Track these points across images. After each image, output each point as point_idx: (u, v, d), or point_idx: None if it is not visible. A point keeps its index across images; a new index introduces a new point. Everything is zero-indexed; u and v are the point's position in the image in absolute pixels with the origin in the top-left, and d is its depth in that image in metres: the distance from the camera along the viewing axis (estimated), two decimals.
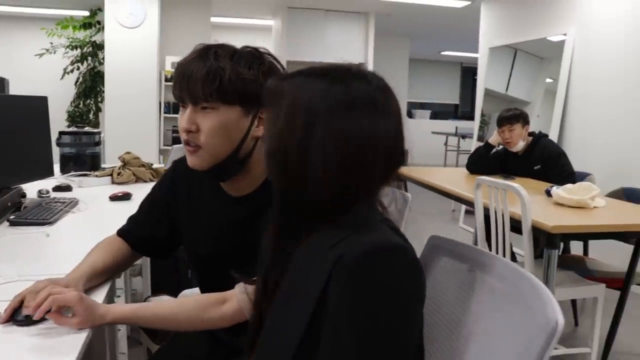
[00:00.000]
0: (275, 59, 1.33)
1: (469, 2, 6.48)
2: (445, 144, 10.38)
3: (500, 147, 3.88)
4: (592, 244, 3.50)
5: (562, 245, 3.50)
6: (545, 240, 2.28)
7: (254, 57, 1.27)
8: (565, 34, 4.94)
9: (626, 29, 4.31)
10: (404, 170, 3.36)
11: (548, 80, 5.11)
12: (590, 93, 4.67)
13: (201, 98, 1.21)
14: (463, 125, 10.20)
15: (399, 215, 1.50)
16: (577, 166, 4.12)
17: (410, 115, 12.84)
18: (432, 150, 11.45)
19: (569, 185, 2.81)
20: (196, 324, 1.21)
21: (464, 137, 8.99)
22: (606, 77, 4.49)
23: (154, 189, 1.50)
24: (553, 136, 4.89)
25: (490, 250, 2.69)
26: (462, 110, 13.74)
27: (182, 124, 1.24)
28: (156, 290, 2.82)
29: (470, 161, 3.96)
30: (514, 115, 3.71)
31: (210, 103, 1.21)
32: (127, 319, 1.17)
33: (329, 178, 0.86)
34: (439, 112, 14.13)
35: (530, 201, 2.30)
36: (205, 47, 1.27)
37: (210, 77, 1.20)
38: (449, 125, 11.55)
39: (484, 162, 3.87)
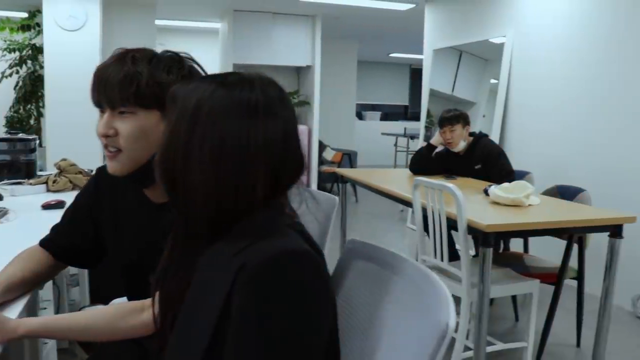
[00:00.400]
0: (197, 63, 1.32)
1: (414, 5, 6.58)
2: (395, 144, 10.52)
3: (442, 147, 3.95)
4: (533, 241, 3.59)
5: (502, 243, 3.60)
6: (480, 239, 2.32)
7: (174, 62, 1.26)
8: (504, 36, 5.06)
9: (558, 32, 4.45)
10: (350, 172, 3.39)
11: (492, 81, 5.23)
12: (529, 94, 4.80)
13: (118, 103, 1.20)
14: (412, 126, 10.34)
15: (325, 218, 1.51)
16: (517, 165, 4.23)
17: (360, 116, 12.94)
18: (382, 151, 11.62)
19: (505, 184, 2.88)
20: (115, 334, 1.19)
21: (412, 137, 9.12)
22: (543, 77, 4.62)
23: (77, 196, 1.47)
24: (495, 136, 5.00)
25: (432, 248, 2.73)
26: (412, 111, 13.93)
27: (100, 129, 1.22)
28: (98, 299, 2.76)
29: (412, 162, 4.01)
30: (454, 116, 3.78)
31: (127, 108, 1.20)
32: (38, 332, 1.14)
33: (209, 184, 0.86)
34: (390, 113, 14.29)
35: (465, 201, 2.35)
36: (123, 52, 1.26)
37: (127, 81, 1.19)
38: (398, 126, 11.70)
39: (426, 162, 3.93)
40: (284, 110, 0.92)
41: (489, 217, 2.47)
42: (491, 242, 2.30)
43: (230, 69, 7.23)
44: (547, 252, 3.51)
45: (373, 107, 14.15)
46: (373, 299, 0.95)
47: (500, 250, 3.55)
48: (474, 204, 2.83)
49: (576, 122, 4.27)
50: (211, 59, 8.61)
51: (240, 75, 0.94)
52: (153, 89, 1.20)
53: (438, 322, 0.72)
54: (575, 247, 3.00)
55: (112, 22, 6.45)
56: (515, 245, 3.62)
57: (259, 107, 0.88)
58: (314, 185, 7.60)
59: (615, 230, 2.61)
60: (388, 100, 14.25)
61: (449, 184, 2.41)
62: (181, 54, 1.30)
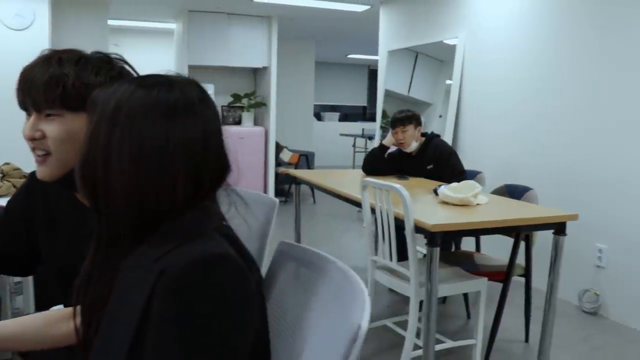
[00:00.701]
0: (129, 65, 1.30)
1: (369, 7, 6.62)
2: (354, 145, 10.59)
3: (395, 148, 3.99)
4: (484, 240, 3.65)
5: (454, 242, 3.66)
6: (427, 239, 2.35)
7: (102, 63, 1.23)
8: (457, 38, 5.14)
9: (509, 34, 4.54)
10: (303, 174, 3.37)
11: (448, 81, 5.30)
12: (481, 95, 4.89)
13: (43, 105, 1.17)
14: (371, 126, 10.41)
15: (265, 221, 1.51)
16: (470, 165, 4.30)
17: (318, 117, 12.97)
18: (341, 151, 11.67)
19: (454, 184, 2.92)
20: (44, 342, 1.16)
21: (370, 138, 9.18)
22: (494, 79, 4.71)
23: (9, 202, 1.43)
24: (448, 136, 5.08)
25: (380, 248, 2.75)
26: (370, 112, 14.02)
27: (25, 131, 1.19)
28: (42, 307, 2.70)
29: (365, 163, 4.03)
30: (406, 117, 3.82)
31: (54, 110, 1.17)
32: None
33: (130, 186, 0.86)
34: (349, 114, 14.36)
35: (411, 201, 2.37)
36: (50, 53, 1.23)
37: (52, 83, 1.16)
38: (357, 127, 11.78)
39: (379, 163, 3.96)
40: (205, 110, 0.92)
41: (436, 217, 2.50)
42: (437, 242, 2.33)
43: (185, 71, 7.15)
44: (498, 250, 3.58)
45: (332, 108, 14.21)
46: (301, 300, 0.95)
47: (453, 250, 3.60)
48: (423, 204, 2.86)
49: (527, 123, 4.37)
50: (167, 60, 8.51)
51: (160, 76, 0.93)
52: (80, 90, 1.17)
53: (351, 323, 0.72)
54: (523, 244, 3.07)
55: (62, 22, 6.30)
56: (469, 244, 3.68)
57: (177, 107, 0.88)
58: (271, 187, 7.58)
59: (559, 228, 2.68)
60: (347, 101, 14.33)
61: (396, 185, 2.43)
62: (111, 55, 1.27)
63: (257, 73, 7.84)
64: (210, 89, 7.11)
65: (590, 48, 3.82)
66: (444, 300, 3.91)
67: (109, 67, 1.23)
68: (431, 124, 5.41)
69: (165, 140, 0.86)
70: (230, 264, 0.81)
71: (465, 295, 3.68)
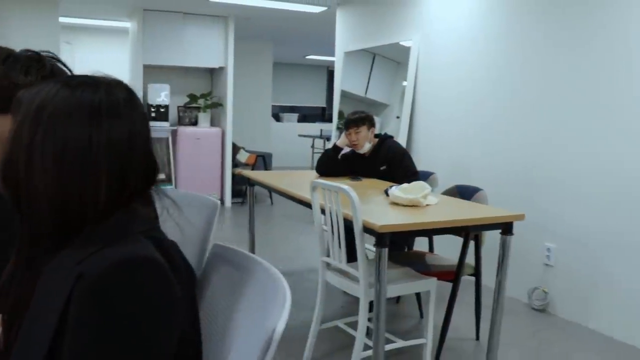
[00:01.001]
0: (62, 62, 1.27)
1: (326, 8, 6.64)
2: (312, 146, 10.61)
3: (348, 149, 4.01)
4: (438, 240, 3.70)
5: (407, 243, 3.69)
6: (375, 239, 2.37)
7: (32, 61, 1.20)
8: (411, 40, 5.20)
9: (462, 35, 4.61)
10: (257, 175, 3.33)
11: (404, 83, 5.35)
12: (435, 96, 4.95)
13: None
14: (329, 127, 10.44)
15: (206, 224, 1.49)
16: (423, 166, 4.36)
17: (277, 118, 12.95)
18: (299, 152, 11.67)
19: (404, 185, 2.95)
20: None
21: (329, 139, 9.21)
22: (447, 81, 4.78)
23: None
24: (402, 137, 5.13)
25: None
26: (329, 113, 14.06)
27: None
28: None
29: (319, 164, 4.04)
30: (359, 118, 3.84)
31: None
32: None
33: (53, 187, 0.85)
34: (308, 115, 14.38)
35: (359, 202, 2.38)
36: None
37: None
38: (316, 127, 11.81)
39: (333, 164, 3.97)
40: (131, 112, 0.91)
41: (384, 218, 2.52)
42: (385, 242, 2.34)
43: (140, 71, 7.05)
44: (451, 251, 3.62)
45: (291, 109, 14.21)
46: (231, 303, 0.94)
47: (406, 250, 3.64)
48: (373, 205, 2.89)
49: (479, 125, 4.44)
50: (122, 60, 8.37)
51: (87, 76, 0.92)
52: (8, 91, 1.13)
53: (266, 328, 0.72)
54: (473, 244, 3.13)
55: (9, 19, 6.14)
56: (423, 245, 3.73)
57: (102, 108, 0.88)
58: (227, 188, 7.54)
59: (506, 228, 2.74)
60: (306, 102, 14.36)
61: (344, 186, 2.44)
62: (42, 53, 1.24)
63: (213, 73, 7.78)
64: (165, 89, 7.03)
65: (541, 51, 3.91)
66: (397, 300, 3.95)
67: (39, 65, 1.20)
68: (388, 125, 5.46)
69: (88, 141, 0.85)
70: (152, 267, 0.80)
71: (418, 295, 3.72)
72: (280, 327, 0.74)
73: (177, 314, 0.83)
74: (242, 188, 7.87)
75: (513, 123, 4.13)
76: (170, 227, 1.00)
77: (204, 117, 7.45)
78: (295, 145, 11.75)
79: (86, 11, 7.41)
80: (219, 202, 1.58)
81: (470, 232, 2.96)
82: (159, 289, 0.80)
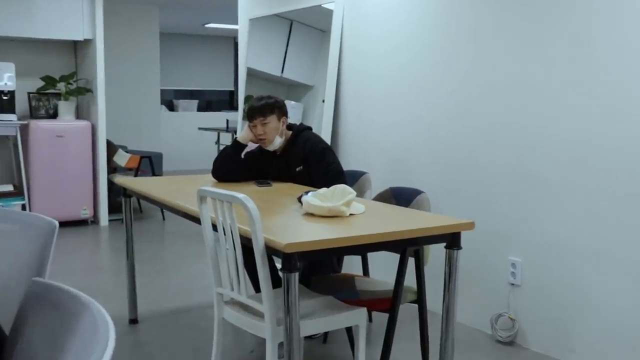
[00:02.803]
0: None
1: None
2: (217, 142, 10.51)
3: (254, 145, 4.00)
4: (373, 257, 3.75)
5: (333, 264, 3.72)
6: (281, 262, 2.38)
7: None
8: (334, 1, 5.24)
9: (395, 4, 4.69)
10: (132, 182, 3.29)
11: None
12: (364, 75, 5.00)
13: None
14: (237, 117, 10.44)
15: (41, 250, 1.46)
16: (353, 163, 4.41)
17: (170, 107, 12.82)
18: (201, 151, 11.58)
19: (322, 190, 2.98)
20: None
21: (237, 132, 9.19)
22: (380, 55, 4.84)
23: None
24: (326, 127, 5.16)
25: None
26: (237, 98, 14.07)
27: None
28: None
29: (216, 166, 4.00)
30: (266, 106, 3.84)
31: None
32: None
33: None
34: (212, 101, 14.30)
35: (258, 215, 2.38)
36: None
37: None
38: (221, 118, 11.72)
39: (234, 165, 3.95)
40: None
41: (293, 234, 2.54)
42: (295, 265, 2.35)
43: None
44: (390, 271, 3.67)
45: (190, 94, 14.09)
46: (53, 350, 0.93)
47: (332, 274, 3.67)
48: (283, 217, 2.89)
49: (421, 111, 4.50)
50: None
51: None
52: None
53: None
54: (413, 262, 3.18)
55: None
56: (356, 265, 3.75)
57: None
58: (102, 202, 7.39)
59: (452, 240, 2.80)
60: (208, 85, 14.27)
61: (238, 194, 2.44)
62: None
63: (77, 48, 7.63)
64: (10, 69, 6.82)
65: (499, 17, 4.01)
66: (324, 339, 3.98)
67: None
68: (313, 112, 5.48)
69: None
70: None
71: (349, 332, 3.75)
72: None
73: None
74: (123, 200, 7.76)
75: (465, 106, 4.19)
76: None
77: (66, 107, 7.29)
78: (194, 141, 11.66)
79: None
80: (56, 223, 1.55)
81: (407, 248, 3.01)
82: None
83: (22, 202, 6.92)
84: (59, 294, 1.02)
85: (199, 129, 11.03)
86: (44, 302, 1.04)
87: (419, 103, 4.53)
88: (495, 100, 4.00)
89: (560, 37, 3.61)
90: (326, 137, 5.03)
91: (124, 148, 7.95)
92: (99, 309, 0.91)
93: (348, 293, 3.17)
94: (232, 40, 14.03)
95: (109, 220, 7.48)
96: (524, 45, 3.82)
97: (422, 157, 4.50)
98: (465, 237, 2.83)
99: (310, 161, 3.83)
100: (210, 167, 4.03)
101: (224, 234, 2.62)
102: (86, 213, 7.26)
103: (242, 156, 4.00)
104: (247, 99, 6.34)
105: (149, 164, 7.94)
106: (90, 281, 5.17)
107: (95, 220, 7.47)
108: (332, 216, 2.85)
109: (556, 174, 3.67)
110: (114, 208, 7.53)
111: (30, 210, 6.88)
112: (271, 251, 2.43)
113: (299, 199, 3.13)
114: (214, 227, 2.78)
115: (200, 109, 13.55)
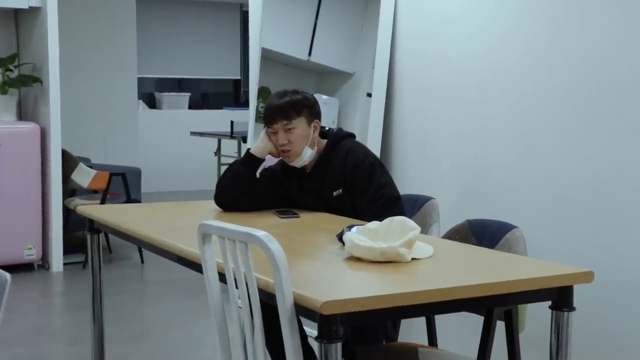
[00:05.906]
0: None
1: None
2: (217, 152, 10.52)
3: (275, 160, 4.01)
4: (442, 322, 3.74)
5: (384, 330, 3.73)
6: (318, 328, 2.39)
7: None
8: None
9: None
10: (99, 211, 3.37)
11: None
12: (429, 57, 5.01)
13: None
14: (246, 117, 10.46)
15: None
16: (413, 185, 4.41)
17: (151, 103, 12.89)
18: (193, 165, 11.62)
19: (371, 225, 2.98)
20: None
21: (245, 139, 9.20)
22: (453, 34, 4.85)
23: None
24: (374, 133, 5.16)
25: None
26: (246, 91, 14.10)
27: None
28: None
29: (221, 189, 4.01)
30: (291, 104, 3.84)
31: None
32: None
33: None
34: (210, 94, 14.37)
35: (285, 261, 2.39)
36: None
37: None
38: (223, 118, 11.72)
39: (246, 189, 3.95)
40: None
41: (334, 288, 2.54)
42: (338, 332, 2.36)
43: None
44: (468, 339, 3.66)
45: (179, 85, 14.15)
46: None
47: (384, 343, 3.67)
48: (317, 262, 2.90)
49: (510, 112, 4.49)
50: None
51: None
52: None
53: None
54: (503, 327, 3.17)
55: None
56: (418, 331, 3.75)
57: None
58: (55, 238, 7.42)
59: (560, 297, 2.78)
60: (205, 72, 14.27)
61: (258, 231, 2.45)
62: None
63: (20, 21, 7.73)
64: None
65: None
66: None
67: None
68: (354, 112, 5.50)
69: None
70: None
71: None
72: None
73: None
74: (84, 235, 7.81)
75: (581, 106, 4.13)
76: None
77: (5, 104, 7.36)
78: (185, 151, 11.71)
79: None
80: (7, 275, 1.59)
81: (494, 308, 3.01)
82: None
83: None
84: None
85: (192, 133, 11.07)
86: None
87: (507, 101, 4.52)
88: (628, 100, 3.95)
89: None
90: (374, 148, 5.01)
91: (87, 162, 8.01)
92: None
93: None
94: (238, 8, 14.07)
95: (64, 264, 7.49)
96: None
97: (513, 178, 4.49)
98: (578, 292, 2.81)
99: (353, 182, 3.84)
100: (209, 188, 4.05)
101: (236, 287, 2.62)
102: (32, 254, 7.26)
103: (258, 175, 4.02)
104: (263, 92, 6.36)
105: (122, 183, 7.94)
106: (37, 352, 5.19)
107: (44, 264, 7.49)
108: (386, 261, 2.85)
109: None
110: (70, 246, 7.58)
111: None
112: (302, 312, 2.44)
113: (340, 237, 3.14)
114: (221, 277, 2.78)
115: (193, 105, 13.59)
